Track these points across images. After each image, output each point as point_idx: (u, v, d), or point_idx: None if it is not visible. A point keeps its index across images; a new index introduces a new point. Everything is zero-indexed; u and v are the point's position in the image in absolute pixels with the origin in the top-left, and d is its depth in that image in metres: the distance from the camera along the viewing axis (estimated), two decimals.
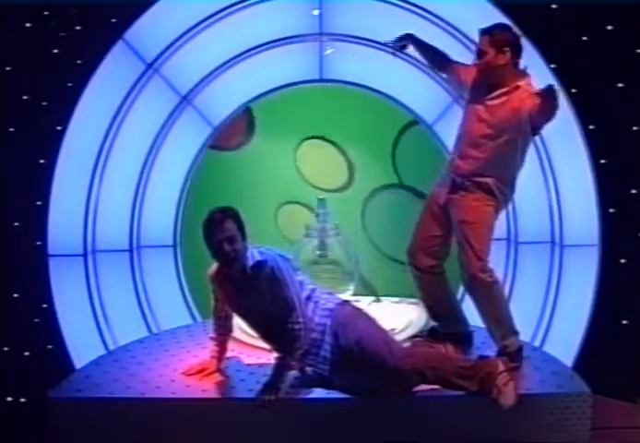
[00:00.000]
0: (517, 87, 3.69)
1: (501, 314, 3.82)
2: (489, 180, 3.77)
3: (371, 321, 3.65)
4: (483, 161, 3.76)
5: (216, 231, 3.51)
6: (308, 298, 3.64)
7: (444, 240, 3.99)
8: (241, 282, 3.61)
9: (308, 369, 3.61)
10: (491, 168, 3.76)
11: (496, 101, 3.72)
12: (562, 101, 4.20)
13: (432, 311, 4.15)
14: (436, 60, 4.05)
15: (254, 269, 3.58)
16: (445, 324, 4.11)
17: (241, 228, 3.56)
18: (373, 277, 5.09)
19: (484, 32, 3.73)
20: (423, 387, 3.55)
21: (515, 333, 3.85)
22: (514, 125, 3.66)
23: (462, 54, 4.09)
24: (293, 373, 3.60)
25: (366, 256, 4.97)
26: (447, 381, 3.51)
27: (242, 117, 5.00)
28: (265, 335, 3.75)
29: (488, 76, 3.75)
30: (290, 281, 3.58)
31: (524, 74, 3.72)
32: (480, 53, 3.73)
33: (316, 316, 3.61)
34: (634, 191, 4.54)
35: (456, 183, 3.84)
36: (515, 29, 3.80)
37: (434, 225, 3.96)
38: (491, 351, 3.88)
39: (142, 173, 4.57)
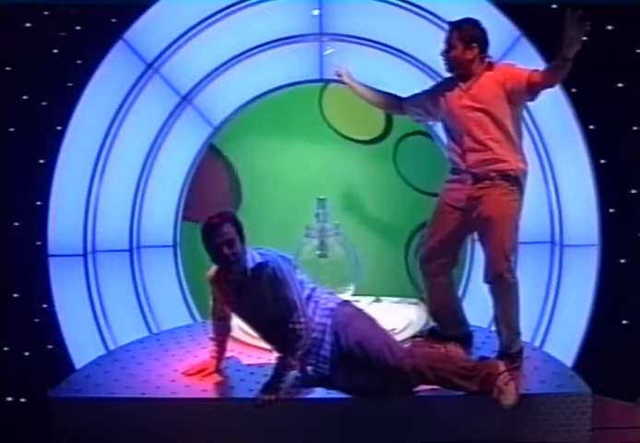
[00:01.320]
0: (490, 64, 3.76)
1: (514, 316, 3.78)
2: (513, 166, 3.69)
3: (371, 321, 3.65)
4: (495, 143, 3.69)
5: (214, 234, 3.51)
6: (308, 298, 3.64)
7: (457, 248, 3.95)
8: (241, 285, 3.60)
9: (308, 369, 3.60)
10: (505, 148, 3.70)
11: (478, 84, 3.74)
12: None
13: (436, 315, 4.11)
14: (390, 103, 4.14)
15: (255, 270, 3.57)
16: (447, 326, 4.09)
17: (239, 231, 3.56)
18: (373, 277, 5.08)
19: (453, 27, 3.77)
20: (423, 387, 3.55)
21: (519, 334, 3.83)
22: (503, 99, 3.68)
23: None
24: (294, 373, 3.60)
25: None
26: (448, 381, 3.50)
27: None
28: (265, 335, 3.75)
29: (456, 68, 3.80)
30: (291, 281, 3.58)
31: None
32: (449, 47, 3.77)
33: (317, 315, 3.61)
34: (634, 191, 4.55)
35: (479, 176, 3.72)
36: (483, 24, 3.79)
37: (447, 233, 3.86)
38: (491, 351, 3.89)
39: (142, 173, 4.57)
